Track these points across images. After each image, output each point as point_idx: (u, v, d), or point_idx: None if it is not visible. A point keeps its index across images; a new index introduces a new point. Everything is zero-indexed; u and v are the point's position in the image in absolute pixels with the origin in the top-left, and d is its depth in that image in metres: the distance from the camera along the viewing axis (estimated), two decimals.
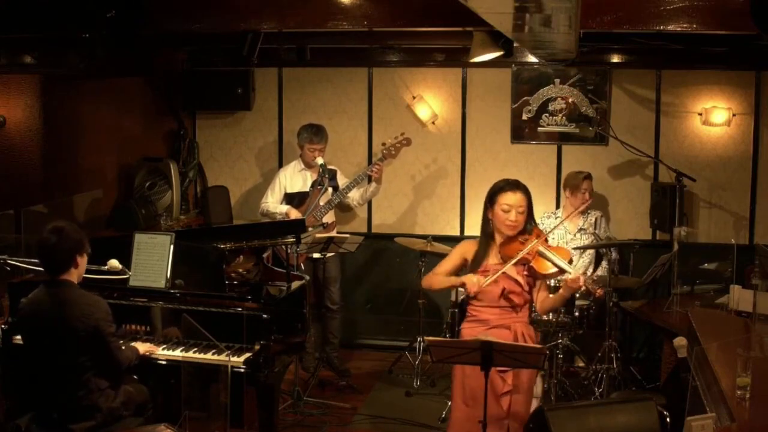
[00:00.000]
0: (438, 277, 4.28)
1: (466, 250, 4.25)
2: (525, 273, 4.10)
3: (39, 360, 3.80)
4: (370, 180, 6.34)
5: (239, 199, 7.31)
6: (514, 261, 4.03)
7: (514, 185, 4.15)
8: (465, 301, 4.32)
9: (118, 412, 3.86)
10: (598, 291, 4.15)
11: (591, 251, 6.19)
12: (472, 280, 4.03)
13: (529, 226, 4.16)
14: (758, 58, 6.19)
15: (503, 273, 4.07)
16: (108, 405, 3.81)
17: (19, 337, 4.33)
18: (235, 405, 4.10)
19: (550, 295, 4.28)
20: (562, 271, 4.02)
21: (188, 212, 6.97)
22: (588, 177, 6.20)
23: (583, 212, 6.25)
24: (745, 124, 6.51)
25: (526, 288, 4.13)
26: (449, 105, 6.95)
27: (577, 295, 5.81)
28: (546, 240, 4.16)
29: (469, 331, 4.14)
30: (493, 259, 4.17)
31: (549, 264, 4.02)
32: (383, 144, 6.30)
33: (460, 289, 4.47)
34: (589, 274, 6.17)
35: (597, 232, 6.17)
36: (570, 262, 4.08)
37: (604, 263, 6.19)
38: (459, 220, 7.00)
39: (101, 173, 6.28)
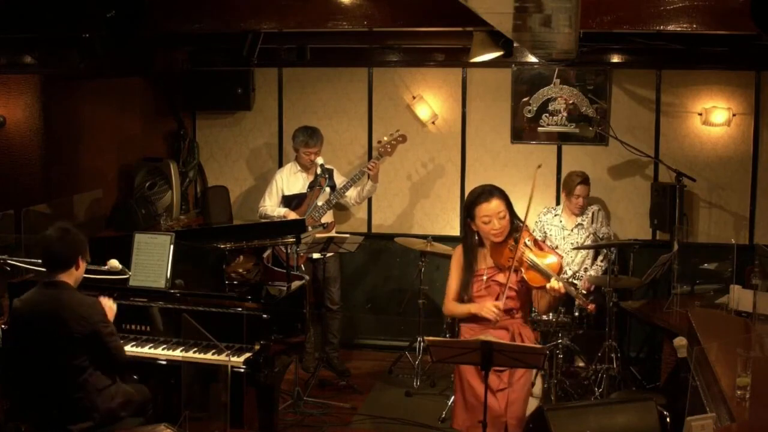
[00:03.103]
0: (457, 307, 4.26)
1: (461, 260, 4.25)
2: (519, 280, 4.09)
3: (35, 361, 3.79)
4: (368, 178, 6.34)
5: (239, 199, 7.31)
6: (512, 271, 4.02)
7: (488, 193, 4.10)
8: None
9: (116, 412, 3.85)
10: (590, 306, 4.12)
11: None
12: (492, 311, 4.01)
13: (513, 226, 4.13)
14: (758, 58, 6.19)
15: (495, 280, 4.09)
16: (106, 405, 3.81)
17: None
18: (235, 405, 4.10)
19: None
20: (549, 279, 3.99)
21: (188, 212, 6.97)
22: (583, 182, 6.16)
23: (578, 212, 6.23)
24: (745, 124, 6.51)
25: (522, 292, 4.13)
26: (449, 105, 6.95)
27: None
28: (535, 241, 4.13)
29: (469, 330, 4.15)
30: (483, 263, 4.16)
31: (539, 276, 4.00)
32: (379, 142, 6.31)
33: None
34: (587, 267, 6.18)
35: (595, 225, 6.17)
36: (559, 271, 4.05)
37: (599, 260, 6.17)
38: (459, 220, 7.00)
39: (101, 173, 6.28)
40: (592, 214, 6.25)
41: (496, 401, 3.99)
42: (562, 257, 4.39)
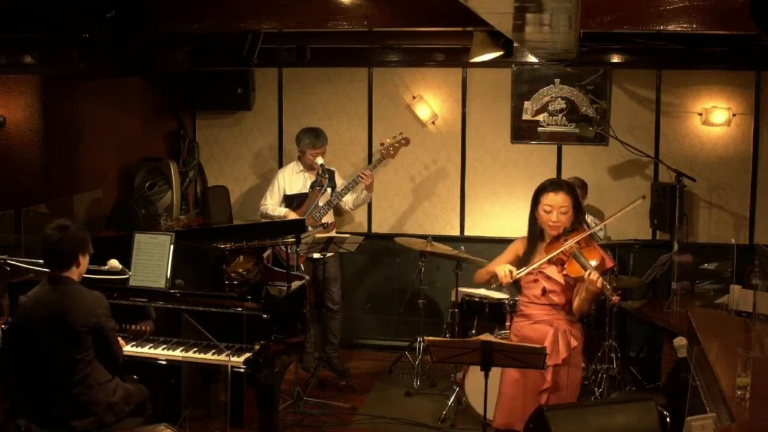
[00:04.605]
0: (480, 271, 4.28)
1: (519, 248, 4.23)
2: (564, 273, 4.09)
3: (39, 356, 3.81)
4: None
5: (239, 199, 7.31)
6: (546, 259, 4.01)
7: (557, 185, 4.11)
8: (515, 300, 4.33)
9: (118, 406, 3.87)
10: (614, 298, 4.11)
11: None
12: (505, 271, 4.01)
13: (576, 225, 4.10)
14: (758, 58, 6.19)
15: (542, 273, 4.06)
16: (107, 399, 3.83)
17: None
18: (235, 405, 4.11)
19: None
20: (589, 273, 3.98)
21: (188, 212, 6.97)
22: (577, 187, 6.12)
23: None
24: (745, 124, 6.51)
25: (566, 287, 4.12)
26: (449, 105, 6.95)
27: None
28: (588, 238, 4.09)
29: (516, 325, 4.19)
30: (539, 257, 4.15)
31: (579, 267, 3.97)
32: (381, 144, 6.31)
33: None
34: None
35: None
36: (603, 270, 4.03)
37: None
38: (459, 220, 7.00)
39: (101, 173, 6.28)
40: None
41: (538, 401, 3.99)
42: (613, 262, 4.32)
